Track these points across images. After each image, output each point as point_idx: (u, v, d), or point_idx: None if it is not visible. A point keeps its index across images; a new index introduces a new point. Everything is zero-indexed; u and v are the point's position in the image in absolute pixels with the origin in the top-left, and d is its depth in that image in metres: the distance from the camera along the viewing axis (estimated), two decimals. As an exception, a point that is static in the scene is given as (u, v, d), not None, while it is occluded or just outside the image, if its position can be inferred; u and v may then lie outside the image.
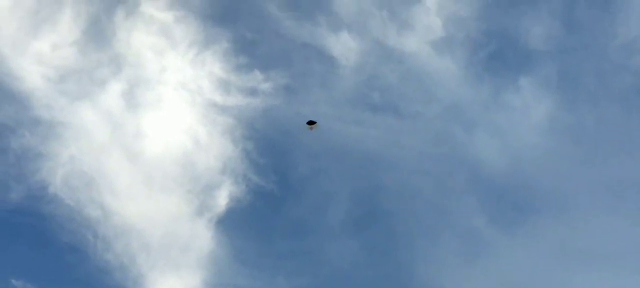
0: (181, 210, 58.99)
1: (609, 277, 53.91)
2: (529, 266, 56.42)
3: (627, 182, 59.05)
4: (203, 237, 57.90)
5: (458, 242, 58.42)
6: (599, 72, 63.00)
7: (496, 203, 60.27)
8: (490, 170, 60.96)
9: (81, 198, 58.24)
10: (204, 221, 58.36)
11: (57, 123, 60.16)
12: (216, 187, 60.06)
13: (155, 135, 61.81)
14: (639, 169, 59.52)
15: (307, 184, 61.05)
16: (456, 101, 63.34)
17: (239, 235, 58.50)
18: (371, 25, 65.01)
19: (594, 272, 54.27)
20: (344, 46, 64.15)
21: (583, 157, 60.60)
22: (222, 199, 59.58)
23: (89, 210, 57.69)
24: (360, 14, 65.11)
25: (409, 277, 56.85)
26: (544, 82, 63.25)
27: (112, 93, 61.81)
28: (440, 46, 64.43)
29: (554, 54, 64.15)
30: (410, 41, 64.56)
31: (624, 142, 60.62)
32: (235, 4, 65.06)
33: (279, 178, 60.77)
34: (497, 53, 64.74)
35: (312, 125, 54.70)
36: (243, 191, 60.00)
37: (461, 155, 61.76)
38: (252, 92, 62.41)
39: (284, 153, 62.01)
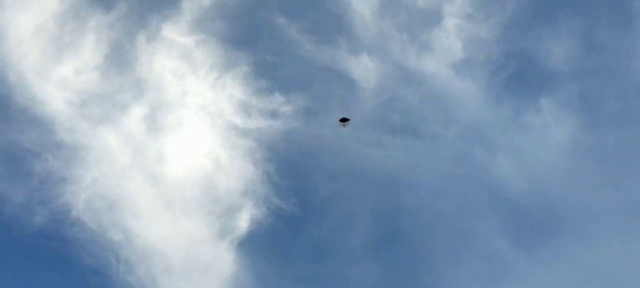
0: (203, 232, 59.22)
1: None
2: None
3: (649, 203, 58.71)
4: (225, 260, 58.02)
5: (480, 263, 58.14)
6: (620, 93, 62.86)
7: (518, 224, 60.05)
8: (511, 192, 60.83)
9: (103, 221, 58.65)
10: (225, 243, 58.53)
11: (79, 147, 60.69)
12: (237, 210, 60.29)
13: (176, 158, 62.22)
14: (662, 190, 59.17)
15: (328, 206, 61.17)
16: (476, 122, 63.37)
17: (261, 258, 58.60)
18: (391, 47, 65.37)
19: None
20: (364, 68, 64.49)
21: (605, 178, 60.30)
22: (243, 222, 59.80)
23: (111, 233, 58.05)
24: (380, 37, 65.49)
25: (431, 299, 56.77)
26: (565, 103, 63.14)
27: (134, 117, 62.28)
28: (460, 68, 64.60)
29: (575, 74, 64.09)
30: (430, 63, 64.77)
31: (646, 162, 60.31)
32: (255, 28, 65.63)
33: (300, 201, 60.93)
34: (517, 74, 64.80)
35: (345, 122, 54.89)
36: (264, 213, 60.19)
37: (482, 176, 61.65)
38: (273, 114, 62.75)
39: (305, 176, 62.22)
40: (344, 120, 55.01)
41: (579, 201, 59.91)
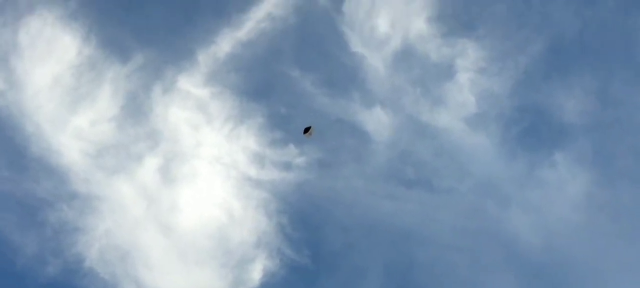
0: (215, 284, 59.07)
1: None
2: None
3: (666, 260, 58.20)
4: (238, 312, 57.80)
5: (495, 319, 57.59)
6: (635, 147, 62.62)
7: (532, 280, 59.50)
8: (526, 247, 60.41)
9: (116, 272, 58.68)
10: (238, 296, 58.29)
11: (94, 197, 61.00)
12: (250, 261, 60.19)
13: (190, 209, 62.34)
14: (679, 246, 58.68)
15: (341, 259, 60.95)
16: (490, 177, 63.18)
17: (273, 311, 58.24)
18: (404, 101, 65.63)
19: None
20: (377, 122, 64.75)
21: (621, 234, 59.86)
22: (256, 273, 59.66)
23: (124, 284, 58.05)
24: (393, 91, 65.86)
25: None
26: (580, 158, 62.95)
27: (149, 167, 62.64)
28: (473, 122, 64.72)
29: (589, 128, 63.93)
30: (444, 117, 64.99)
31: (662, 218, 59.95)
32: (270, 81, 66.20)
33: (313, 253, 60.80)
34: (531, 128, 64.74)
35: (309, 131, 54.90)
36: (277, 265, 60.07)
37: (496, 231, 61.32)
38: (287, 166, 62.96)
39: (318, 228, 62.14)
40: (306, 130, 55.06)
41: (594, 257, 59.51)
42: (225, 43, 66.00)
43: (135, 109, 64.05)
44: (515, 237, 61.04)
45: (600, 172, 62.80)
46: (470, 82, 65.79)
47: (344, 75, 66.93)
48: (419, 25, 67.20)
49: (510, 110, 65.17)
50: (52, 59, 64.21)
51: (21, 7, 63.86)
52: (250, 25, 66.45)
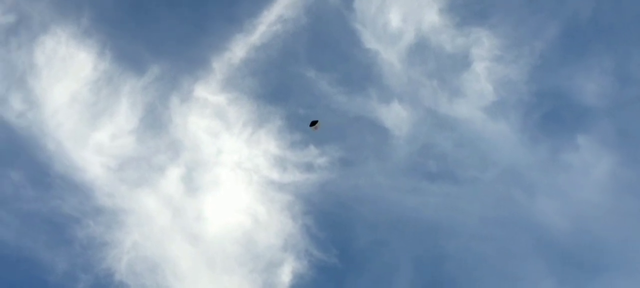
0: (245, 289, 59.22)
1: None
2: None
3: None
4: (270, 316, 57.98)
5: (527, 306, 57.58)
6: (657, 124, 62.54)
7: (563, 264, 59.61)
8: (554, 232, 60.44)
9: (146, 283, 58.92)
10: (269, 300, 58.45)
11: (119, 211, 61.29)
12: (278, 265, 60.32)
13: (215, 217, 62.59)
14: None
15: (369, 256, 60.98)
16: (513, 164, 63.16)
17: (305, 312, 58.39)
18: (422, 94, 65.63)
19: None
20: (396, 116, 64.79)
21: (648, 212, 59.76)
22: (285, 276, 59.84)
23: (155, 295, 58.23)
24: (410, 85, 65.83)
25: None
26: (602, 139, 62.82)
27: (171, 178, 62.82)
28: (493, 111, 64.70)
29: (610, 109, 63.78)
30: (462, 108, 64.92)
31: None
32: (286, 83, 66.36)
33: (341, 252, 60.93)
34: (551, 113, 64.65)
35: (315, 125, 55.00)
36: (305, 266, 60.20)
37: (523, 218, 61.35)
38: (309, 167, 63.05)
39: (344, 226, 62.26)
40: (313, 123, 55.17)
41: (624, 237, 59.47)
42: (239, 49, 66.28)
43: (154, 121, 64.26)
44: (542, 223, 61.20)
45: (624, 152, 62.82)
46: (487, 71, 65.77)
47: (359, 72, 67.19)
48: (432, 17, 67.26)
49: (529, 96, 65.12)
50: (69, 76, 64.58)
51: (35, 28, 64.21)
52: (262, 29, 66.67)
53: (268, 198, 62.72)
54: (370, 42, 66.33)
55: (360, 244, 61.17)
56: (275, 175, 63.40)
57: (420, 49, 66.86)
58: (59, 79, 64.11)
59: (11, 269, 58.12)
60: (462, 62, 66.31)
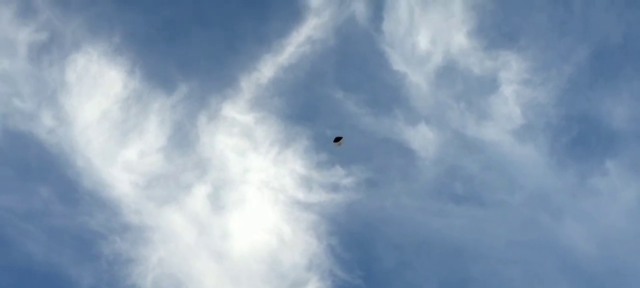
0: (269, 309, 59.20)
1: None
2: None
3: None
4: (293, 336, 57.86)
5: (552, 332, 56.88)
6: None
7: (590, 290, 58.80)
8: (581, 257, 59.81)
9: (171, 300, 59.12)
10: (293, 319, 58.37)
11: (146, 228, 61.71)
12: (303, 284, 60.32)
13: (240, 235, 62.76)
14: None
15: (394, 277, 60.78)
16: (541, 188, 62.68)
17: (329, 332, 58.18)
18: (449, 117, 65.51)
19: None
20: (423, 138, 64.66)
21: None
22: (309, 296, 59.67)
23: (180, 312, 58.44)
24: (438, 107, 65.80)
25: None
26: (632, 164, 62.20)
27: (198, 196, 63.19)
28: (520, 134, 64.38)
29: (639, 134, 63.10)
30: (490, 131, 64.66)
31: None
32: (313, 103, 66.60)
33: (365, 273, 60.70)
34: (580, 137, 64.19)
35: (339, 141, 54.87)
36: (330, 287, 59.99)
37: (550, 242, 60.78)
38: (334, 187, 63.06)
39: (369, 247, 62.07)
40: (337, 139, 55.08)
41: (652, 264, 58.57)
42: (267, 69, 66.72)
43: (182, 139, 64.83)
44: (570, 248, 60.50)
45: (653, 178, 61.93)
46: (515, 94, 65.51)
47: (387, 94, 67.22)
48: (460, 39, 67.29)
49: (558, 119, 64.77)
50: (99, 94, 65.43)
51: (67, 46, 65.25)
52: (290, 50, 67.10)
53: (293, 218, 62.89)
54: (398, 63, 66.57)
55: (385, 265, 61.00)
56: (301, 195, 63.62)
57: (448, 72, 66.97)
58: (89, 96, 65.01)
59: (38, 283, 58.62)
60: (490, 85, 66.27)
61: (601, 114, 64.37)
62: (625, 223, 60.39)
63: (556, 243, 60.61)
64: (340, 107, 65.42)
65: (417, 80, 66.24)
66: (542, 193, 62.52)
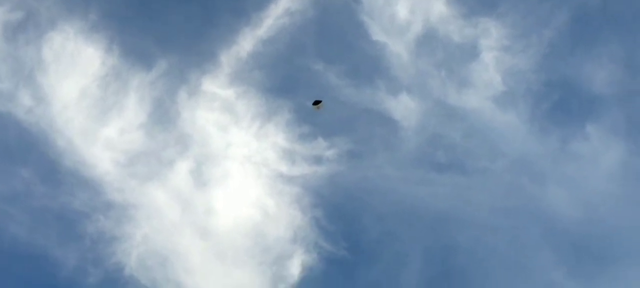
0: (256, 283, 59.27)
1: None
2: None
3: None
4: (279, 309, 58.00)
5: (538, 297, 57.38)
6: (668, 112, 62.12)
7: (574, 255, 59.40)
8: (564, 222, 60.16)
9: (157, 277, 59.04)
10: (279, 292, 58.48)
11: (129, 205, 61.31)
12: (288, 257, 60.29)
13: (224, 210, 62.49)
14: None
15: (379, 247, 60.89)
16: (523, 154, 62.89)
17: (315, 304, 58.36)
18: (430, 85, 65.46)
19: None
20: (404, 108, 64.60)
21: (660, 201, 59.41)
22: (294, 269, 59.77)
23: (165, 288, 58.34)
24: (418, 76, 65.69)
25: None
26: (612, 128, 62.56)
27: (180, 172, 62.83)
28: (501, 101, 64.46)
29: (620, 98, 63.55)
30: (471, 98, 64.72)
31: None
32: (294, 76, 66.32)
33: (350, 244, 60.73)
34: (560, 102, 64.38)
35: (318, 105, 54.92)
36: (315, 259, 60.19)
37: (533, 208, 61.06)
38: (317, 160, 62.98)
39: (353, 218, 62.11)
40: (316, 102, 55.06)
41: (635, 226, 59.22)
42: (247, 42, 66.21)
43: (162, 115, 64.32)
44: (553, 213, 60.88)
45: (635, 140, 62.55)
46: (495, 61, 65.55)
47: (367, 64, 66.99)
48: (439, 7, 67.11)
49: (538, 85, 64.90)
50: (77, 72, 64.71)
51: (43, 24, 64.51)
52: (269, 22, 66.62)
53: (277, 191, 62.76)
54: (377, 33, 66.27)
55: (370, 236, 61.13)
56: (284, 168, 63.45)
57: (428, 40, 66.81)
58: (67, 75, 64.24)
59: (22, 265, 58.30)
60: (470, 52, 66.20)
61: (581, 79, 64.76)
62: (608, 187, 60.93)
63: (540, 208, 61.03)
64: (320, 79, 65.27)
65: (397, 50, 66.14)
66: (525, 160, 62.88)
